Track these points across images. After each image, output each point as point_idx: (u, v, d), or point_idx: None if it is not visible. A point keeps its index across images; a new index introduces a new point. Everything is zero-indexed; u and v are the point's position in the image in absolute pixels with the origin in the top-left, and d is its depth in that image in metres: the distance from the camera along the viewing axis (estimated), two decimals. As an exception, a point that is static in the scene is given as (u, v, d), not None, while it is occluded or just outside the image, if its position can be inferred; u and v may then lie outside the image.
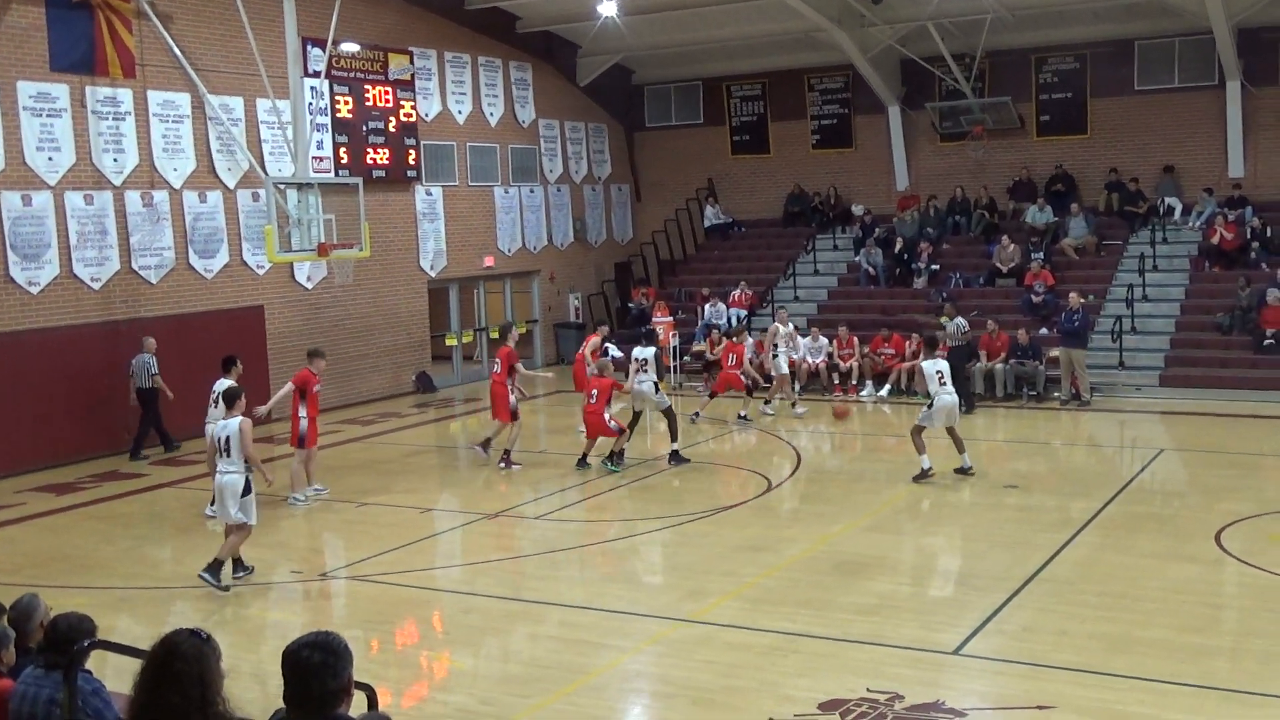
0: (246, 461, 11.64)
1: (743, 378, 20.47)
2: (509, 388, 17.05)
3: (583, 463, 16.65)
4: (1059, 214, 25.64)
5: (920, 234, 26.53)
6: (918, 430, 15.38)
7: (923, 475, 15.18)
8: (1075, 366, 20.76)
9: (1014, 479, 15.68)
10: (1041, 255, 24.47)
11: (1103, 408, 20.63)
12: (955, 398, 15.52)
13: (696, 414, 20.32)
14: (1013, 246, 25.02)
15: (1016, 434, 19.05)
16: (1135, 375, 21.82)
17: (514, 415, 17.07)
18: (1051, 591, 10.77)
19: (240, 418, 11.77)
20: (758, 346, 22.08)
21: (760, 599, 10.84)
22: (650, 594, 11.25)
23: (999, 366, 21.47)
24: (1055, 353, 21.18)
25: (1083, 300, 21.35)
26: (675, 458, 16.80)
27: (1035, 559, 11.68)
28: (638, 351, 17.76)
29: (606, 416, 16.49)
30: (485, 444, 17.53)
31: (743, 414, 20.19)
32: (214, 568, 11.50)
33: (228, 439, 11.63)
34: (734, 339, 21.15)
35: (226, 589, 11.46)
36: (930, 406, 15.35)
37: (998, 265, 25.02)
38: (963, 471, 15.34)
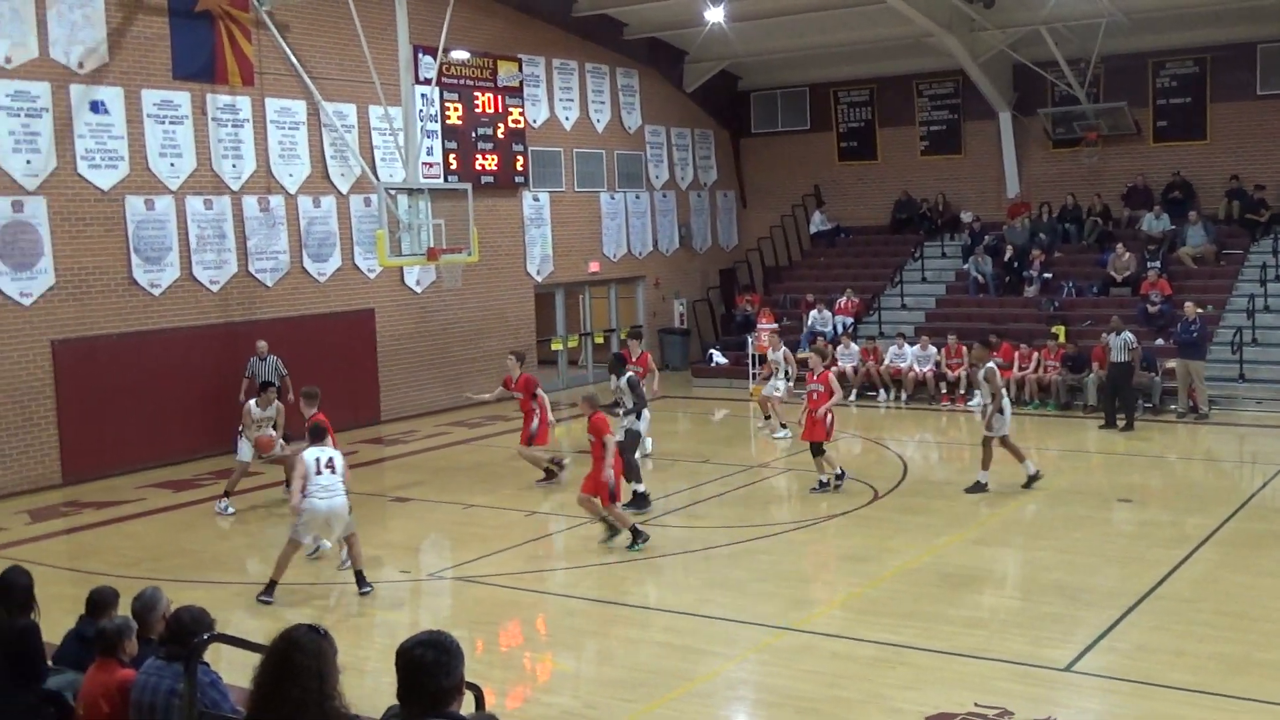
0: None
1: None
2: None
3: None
4: (1176, 222, 24.97)
5: (1032, 242, 26.05)
6: (997, 441, 15.18)
7: (979, 488, 15.08)
8: (1193, 378, 20.20)
9: (1128, 493, 15.33)
10: (1158, 264, 23.86)
11: (1221, 421, 20.03)
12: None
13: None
14: (1128, 255, 24.43)
15: (1131, 447, 18.57)
16: (1256, 388, 21.14)
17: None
18: (1167, 610, 10.49)
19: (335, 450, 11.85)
20: (864, 354, 21.80)
21: (865, 609, 10.73)
22: (754, 601, 11.19)
23: (1113, 378, 20.97)
24: (1172, 364, 20.62)
25: (1200, 310, 20.78)
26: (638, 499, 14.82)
27: (1150, 576, 11.38)
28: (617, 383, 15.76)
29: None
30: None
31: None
32: (358, 578, 11.64)
33: (331, 459, 11.57)
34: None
35: (370, 587, 11.59)
36: (1002, 413, 15.10)
37: (1112, 274, 24.45)
38: (1031, 480, 15.21)
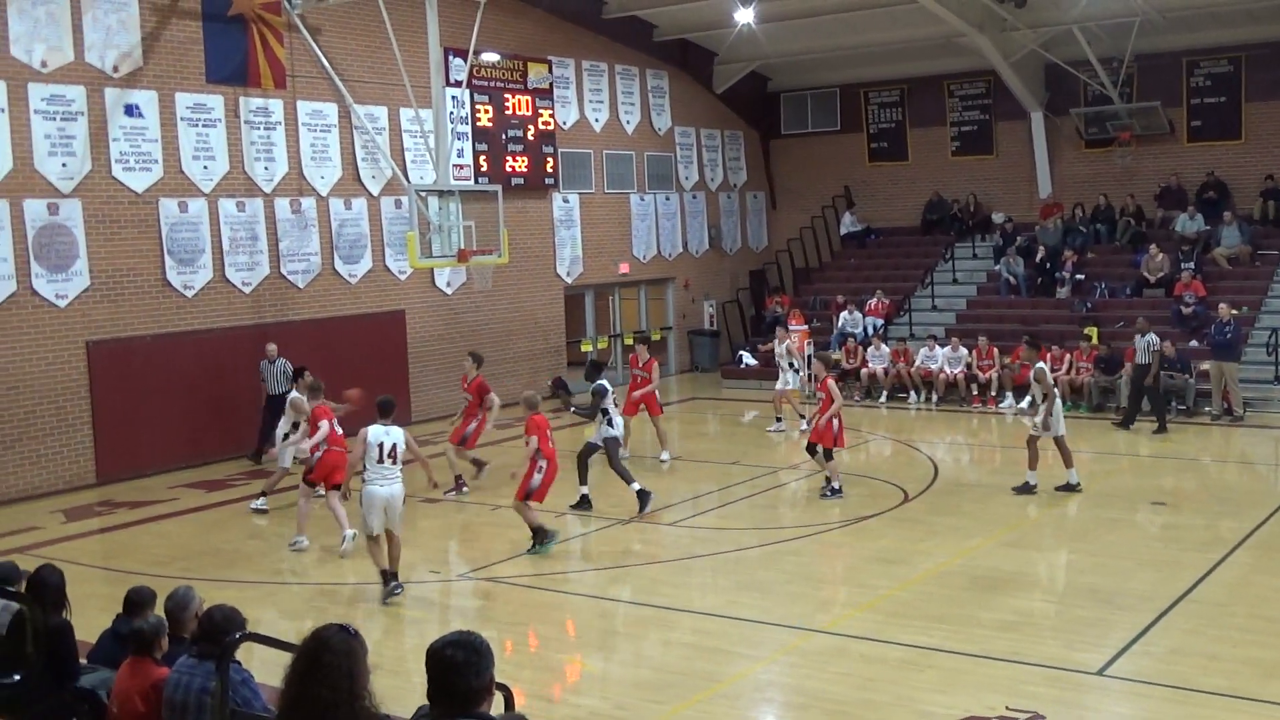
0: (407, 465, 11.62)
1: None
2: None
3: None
4: (1210, 222, 24.75)
5: (1064, 242, 25.88)
6: (1051, 441, 15.18)
7: (1028, 489, 15.04)
8: (1227, 380, 20.03)
9: (1161, 496, 15.20)
10: (1192, 265, 23.66)
11: (1256, 424, 19.84)
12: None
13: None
14: (1161, 256, 24.24)
15: (1164, 450, 18.43)
16: (1292, 390, 20.94)
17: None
18: (1201, 613, 10.41)
19: (401, 428, 11.77)
20: (895, 355, 21.82)
21: (895, 612, 10.69)
22: (783, 603, 11.17)
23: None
24: (1206, 366, 20.45)
25: (1234, 312, 20.59)
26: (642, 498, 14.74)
27: (1184, 579, 11.29)
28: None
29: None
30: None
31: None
32: (392, 577, 11.56)
33: (394, 446, 11.52)
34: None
35: (401, 587, 11.58)
36: (1051, 413, 15.09)
37: (1145, 275, 24.26)
38: (1069, 488, 15.10)
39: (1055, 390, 15.46)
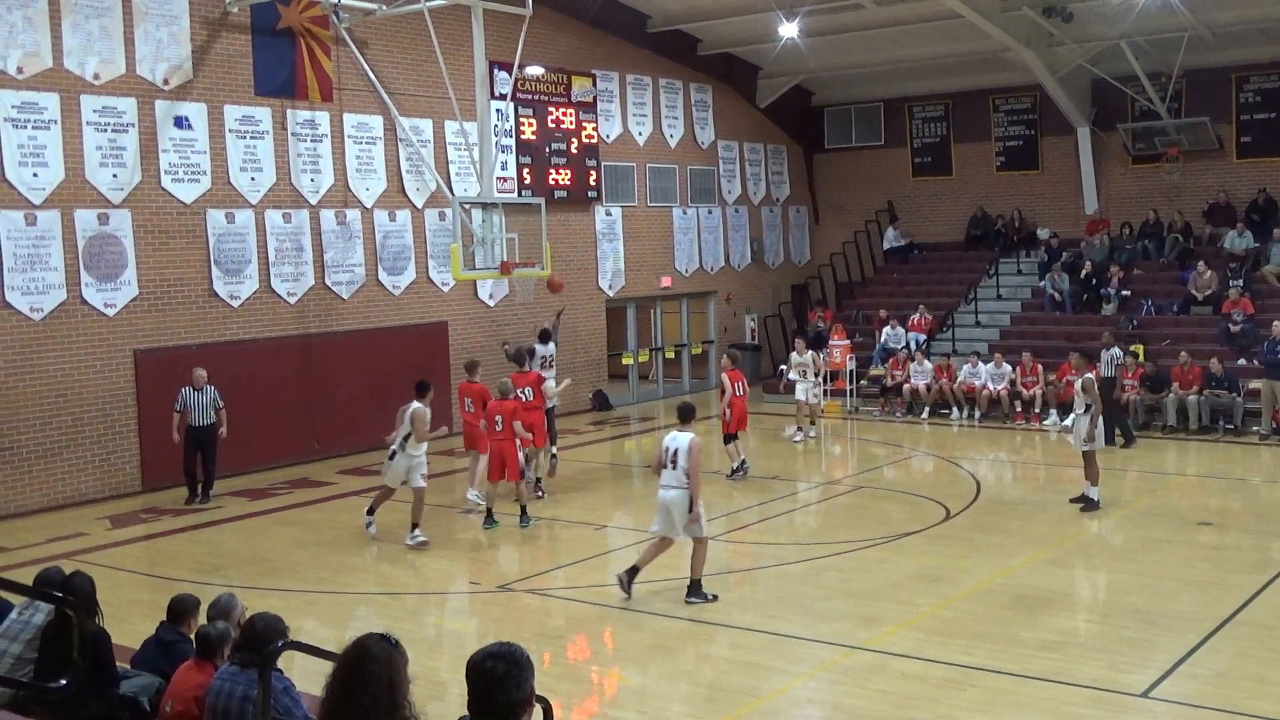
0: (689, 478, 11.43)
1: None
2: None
3: (490, 520, 14.85)
4: (1260, 239, 24.46)
5: (1110, 259, 25.66)
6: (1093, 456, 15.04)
7: (1093, 505, 14.92)
8: (1277, 399, 19.76)
9: (1208, 516, 14.99)
10: (1240, 282, 23.37)
11: (1306, 444, 19.58)
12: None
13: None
14: (1209, 273, 23.97)
15: (1211, 469, 18.20)
16: (1343, 410, 20.59)
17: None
18: (1249, 635, 10.25)
19: (693, 435, 11.55)
20: (937, 371, 21.74)
21: (936, 630, 10.60)
22: (823, 619, 11.11)
23: (1192, 398, 20.57)
24: (1255, 384, 20.19)
25: (1286, 331, 20.32)
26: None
27: (1231, 600, 11.13)
28: (541, 349, 17.96)
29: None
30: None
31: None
32: (694, 588, 11.52)
33: (675, 451, 11.47)
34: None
35: (715, 597, 11.56)
36: (1096, 425, 15.01)
37: (1193, 292, 24.00)
38: (1089, 504, 15.04)
39: (1100, 403, 15.34)
